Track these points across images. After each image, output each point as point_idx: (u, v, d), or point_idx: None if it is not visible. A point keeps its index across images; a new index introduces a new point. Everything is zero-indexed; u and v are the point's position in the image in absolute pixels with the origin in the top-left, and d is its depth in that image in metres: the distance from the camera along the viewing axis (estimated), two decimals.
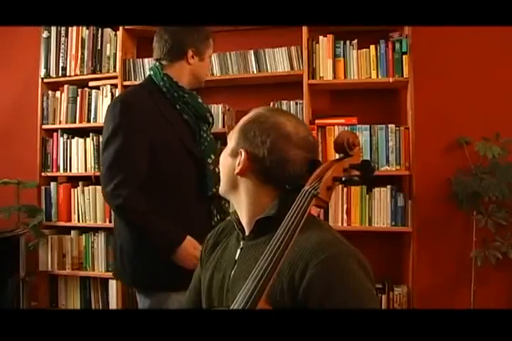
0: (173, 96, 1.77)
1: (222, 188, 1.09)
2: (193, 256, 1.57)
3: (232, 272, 1.04)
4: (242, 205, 1.05)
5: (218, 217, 1.80)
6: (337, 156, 1.06)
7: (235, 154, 1.04)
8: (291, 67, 2.64)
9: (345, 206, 2.53)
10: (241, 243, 1.06)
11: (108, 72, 2.87)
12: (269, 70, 2.68)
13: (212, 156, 1.78)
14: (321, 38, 2.59)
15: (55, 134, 2.94)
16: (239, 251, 1.06)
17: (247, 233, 1.06)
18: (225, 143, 1.11)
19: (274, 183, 1.02)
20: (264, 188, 1.02)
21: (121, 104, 1.69)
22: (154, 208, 1.62)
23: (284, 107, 2.67)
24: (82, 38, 2.88)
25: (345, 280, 0.88)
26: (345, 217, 2.53)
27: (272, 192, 1.02)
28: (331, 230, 1.01)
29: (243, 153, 1.01)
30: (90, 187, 2.85)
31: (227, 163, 1.06)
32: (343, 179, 1.00)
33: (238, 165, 1.02)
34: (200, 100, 1.85)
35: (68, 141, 2.91)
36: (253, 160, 1.01)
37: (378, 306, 0.93)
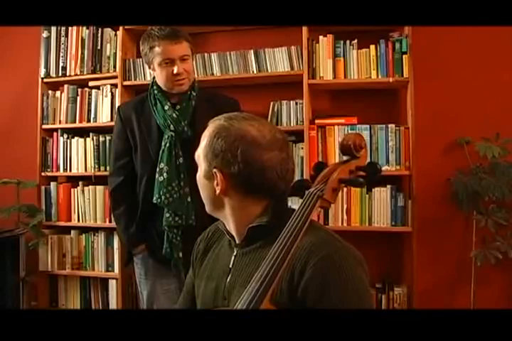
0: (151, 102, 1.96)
1: (207, 208, 1.08)
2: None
3: (228, 280, 1.03)
4: (229, 219, 1.04)
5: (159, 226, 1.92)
6: (341, 158, 1.06)
7: (210, 176, 1.02)
8: (291, 67, 2.64)
9: (345, 206, 2.53)
10: (234, 250, 1.05)
11: (108, 71, 2.86)
12: (269, 70, 2.67)
13: (162, 165, 1.85)
14: (321, 37, 2.59)
15: (55, 134, 2.94)
16: (233, 258, 1.05)
17: (238, 241, 1.05)
18: None
19: (259, 192, 1.00)
20: (249, 199, 1.01)
21: None
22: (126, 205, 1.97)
23: (284, 107, 2.67)
24: (82, 37, 2.88)
25: (344, 278, 0.89)
26: (345, 216, 2.53)
27: (258, 201, 1.01)
28: (325, 229, 1.02)
29: (218, 173, 0.99)
30: (90, 187, 2.85)
31: (205, 185, 1.04)
32: (350, 181, 1.00)
33: (217, 185, 1.00)
34: (166, 107, 1.91)
35: (68, 140, 2.91)
36: (231, 178, 0.99)
37: (373, 302, 0.94)
